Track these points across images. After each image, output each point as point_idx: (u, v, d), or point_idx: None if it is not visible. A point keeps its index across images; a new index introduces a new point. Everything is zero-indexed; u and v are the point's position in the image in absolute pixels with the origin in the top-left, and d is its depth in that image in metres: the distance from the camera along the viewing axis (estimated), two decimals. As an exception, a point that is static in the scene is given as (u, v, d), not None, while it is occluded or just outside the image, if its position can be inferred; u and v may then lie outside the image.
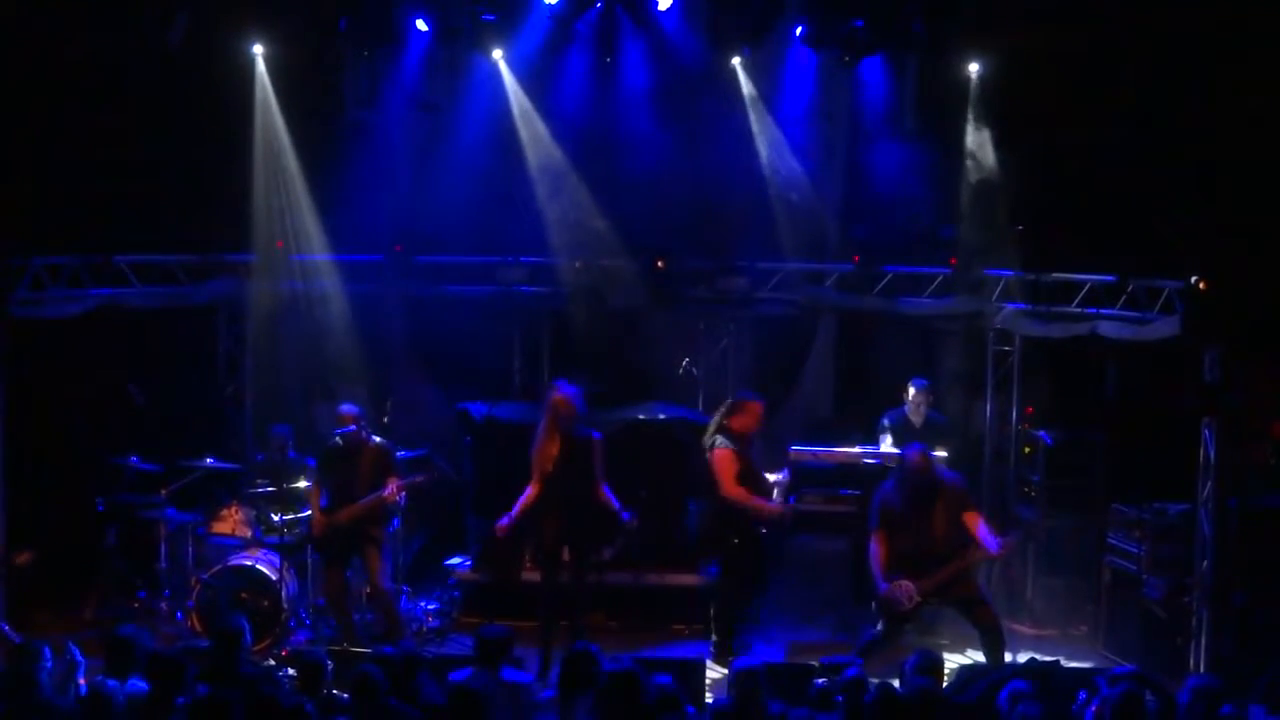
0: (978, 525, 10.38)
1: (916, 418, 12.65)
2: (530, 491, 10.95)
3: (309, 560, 12.13)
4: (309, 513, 12.06)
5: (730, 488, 11.19)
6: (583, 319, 13.63)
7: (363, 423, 11.39)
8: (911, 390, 12.67)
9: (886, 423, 12.64)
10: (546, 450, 10.91)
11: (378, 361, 13.88)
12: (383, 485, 11.28)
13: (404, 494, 11.51)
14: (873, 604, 10.66)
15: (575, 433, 10.91)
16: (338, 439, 11.37)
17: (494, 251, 13.75)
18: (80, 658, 8.48)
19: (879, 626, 10.53)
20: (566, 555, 11.13)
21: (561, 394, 10.89)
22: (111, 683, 8.09)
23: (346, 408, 11.44)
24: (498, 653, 8.58)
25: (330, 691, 8.35)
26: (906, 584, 10.32)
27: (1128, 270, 11.89)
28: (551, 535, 11.03)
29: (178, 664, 8.14)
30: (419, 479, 11.61)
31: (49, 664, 8.19)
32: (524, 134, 13.70)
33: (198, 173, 13.13)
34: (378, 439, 11.53)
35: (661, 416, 12.83)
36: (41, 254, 12.01)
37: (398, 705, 7.96)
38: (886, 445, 12.45)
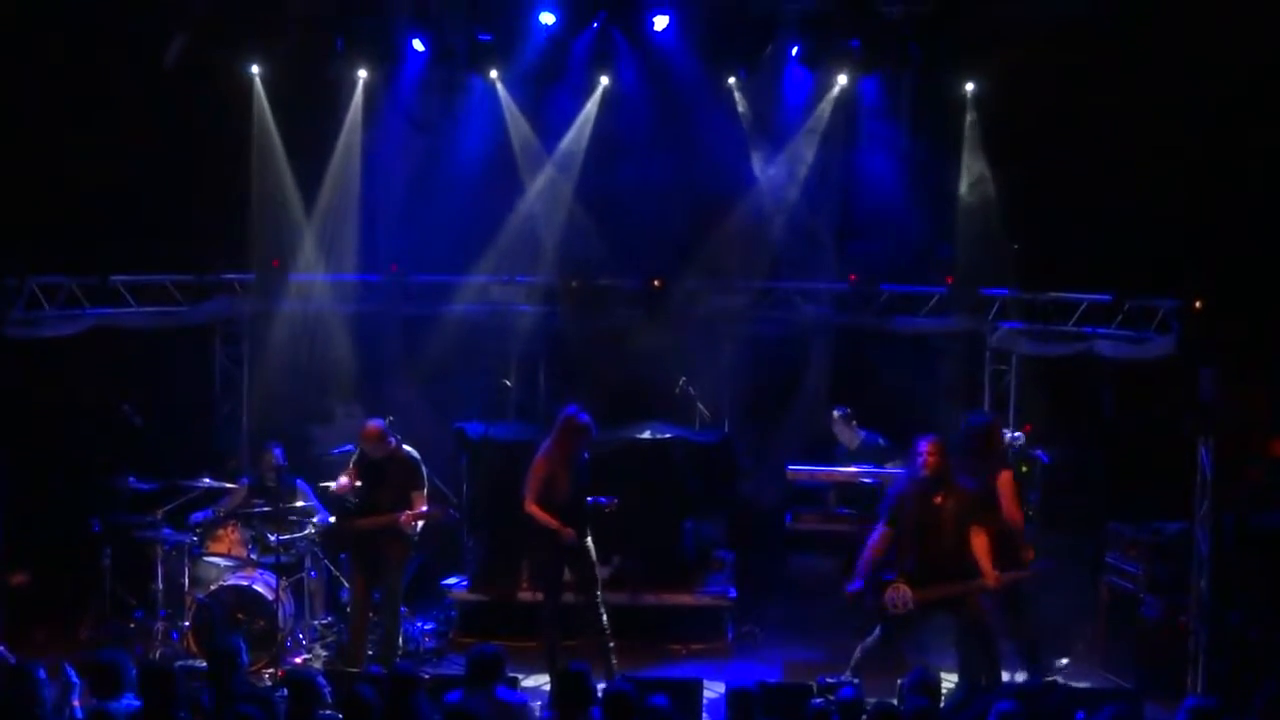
0: (982, 546, 10.18)
1: (850, 442, 12.59)
2: (535, 511, 10.87)
3: (306, 579, 12.14)
4: (308, 530, 12.09)
5: (1017, 510, 10.83)
6: (579, 338, 13.64)
7: (390, 435, 11.39)
8: (833, 419, 12.65)
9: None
10: (558, 475, 10.88)
11: (374, 381, 13.88)
12: (405, 496, 11.31)
13: (417, 524, 11.47)
14: (866, 602, 10.45)
15: (580, 457, 10.95)
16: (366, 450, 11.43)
17: (490, 271, 13.76)
18: (76, 679, 8.46)
19: (876, 632, 10.43)
20: (569, 575, 11.17)
21: (582, 421, 10.89)
22: (112, 705, 8.07)
23: (373, 423, 11.45)
24: (489, 672, 8.54)
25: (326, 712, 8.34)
26: (904, 589, 10.24)
27: (1124, 289, 11.91)
28: (556, 557, 11.03)
29: (169, 677, 8.13)
30: (435, 511, 11.60)
31: (47, 686, 8.17)
32: (520, 154, 13.72)
33: (194, 192, 13.14)
34: (407, 448, 11.54)
35: (659, 436, 12.81)
36: (37, 274, 12.02)
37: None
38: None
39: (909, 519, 10.30)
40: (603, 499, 11.05)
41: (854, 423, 12.71)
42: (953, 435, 11.28)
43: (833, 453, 12.83)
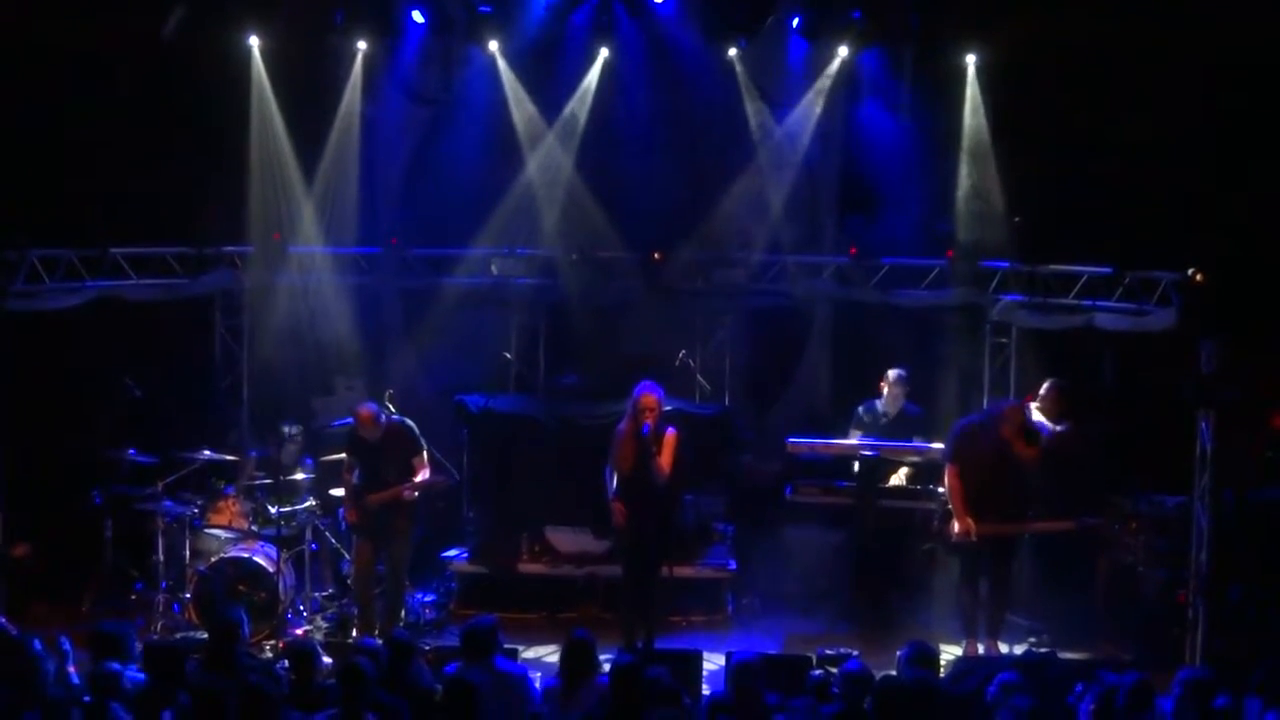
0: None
1: (891, 408, 12.40)
2: (615, 486, 11.00)
3: (306, 552, 12.16)
4: (309, 503, 12.14)
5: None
6: (579, 311, 13.64)
7: (380, 414, 11.50)
8: (890, 378, 12.38)
9: (860, 412, 12.56)
10: (625, 448, 10.92)
11: (374, 354, 13.88)
12: (408, 465, 11.46)
13: (418, 492, 11.52)
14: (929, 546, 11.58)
15: (655, 429, 10.93)
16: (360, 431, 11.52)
17: (490, 243, 13.74)
18: (69, 647, 8.50)
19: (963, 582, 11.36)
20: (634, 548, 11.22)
21: (654, 395, 10.90)
22: (114, 665, 8.10)
23: (367, 406, 11.55)
24: (484, 645, 8.55)
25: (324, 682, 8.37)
26: (967, 520, 11.00)
27: (1125, 262, 11.89)
28: (630, 529, 11.07)
29: (175, 654, 8.18)
30: (437, 480, 11.63)
31: (46, 658, 8.20)
32: (520, 126, 13.67)
33: (194, 165, 13.10)
34: (396, 418, 11.63)
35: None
36: (38, 246, 12.00)
37: (386, 698, 7.96)
38: (854, 438, 12.41)
39: (978, 458, 11.08)
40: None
41: (909, 389, 12.55)
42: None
43: (845, 427, 12.74)
